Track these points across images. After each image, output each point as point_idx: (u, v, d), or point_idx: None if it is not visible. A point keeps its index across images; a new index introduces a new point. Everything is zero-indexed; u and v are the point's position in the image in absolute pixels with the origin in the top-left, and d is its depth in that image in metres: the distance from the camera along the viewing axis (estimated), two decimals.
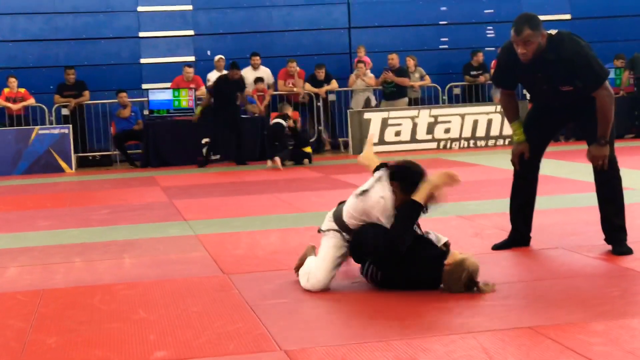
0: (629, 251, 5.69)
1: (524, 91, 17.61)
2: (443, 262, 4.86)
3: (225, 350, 4.05)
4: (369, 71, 16.81)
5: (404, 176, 5.00)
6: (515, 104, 5.99)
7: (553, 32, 5.58)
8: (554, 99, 5.75)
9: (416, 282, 4.95)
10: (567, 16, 18.34)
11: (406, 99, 16.61)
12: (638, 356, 3.68)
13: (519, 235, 6.11)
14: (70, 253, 6.85)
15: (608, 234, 5.85)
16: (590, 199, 8.59)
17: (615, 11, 18.41)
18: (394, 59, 16.51)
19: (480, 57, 17.23)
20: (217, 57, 16.63)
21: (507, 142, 16.15)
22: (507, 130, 16.20)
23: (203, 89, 16.28)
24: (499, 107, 16.30)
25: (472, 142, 16.13)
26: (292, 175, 12.50)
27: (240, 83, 14.77)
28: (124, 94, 15.60)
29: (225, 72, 16.45)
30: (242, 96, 15.16)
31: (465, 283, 4.80)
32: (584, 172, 9.79)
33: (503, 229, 6.88)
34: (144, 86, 17.03)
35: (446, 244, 5.22)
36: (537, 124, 5.93)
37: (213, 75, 16.54)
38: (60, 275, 5.99)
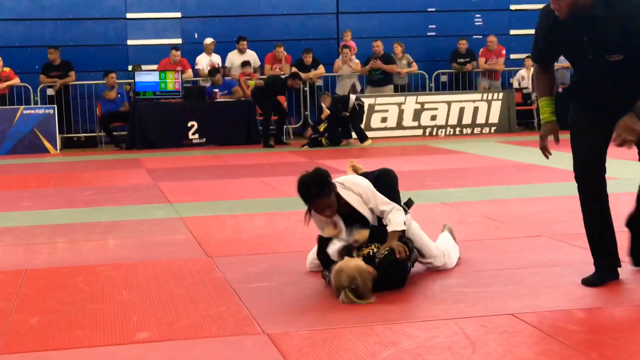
0: None
1: (521, 83, 17.63)
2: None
3: (208, 332, 4.06)
4: (354, 57, 16.76)
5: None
6: (550, 77, 4.89)
7: None
8: (602, 75, 4.59)
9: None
10: None
11: (392, 86, 16.59)
12: (619, 344, 3.71)
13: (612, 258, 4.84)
14: (54, 233, 6.83)
15: None
16: (573, 188, 8.62)
17: None
18: (379, 46, 16.47)
19: (462, 44, 17.17)
20: (208, 40, 16.54)
21: (492, 130, 16.20)
22: (494, 118, 16.26)
23: (189, 72, 16.23)
24: (485, 95, 16.34)
25: (458, 129, 16.16)
26: (277, 159, 12.50)
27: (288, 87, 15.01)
28: (113, 75, 15.51)
29: (212, 53, 16.45)
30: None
31: (338, 288, 4.53)
32: (568, 161, 9.81)
33: (487, 216, 6.92)
34: (130, 68, 16.92)
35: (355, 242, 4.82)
36: (588, 124, 4.75)
37: (202, 58, 16.48)
38: (44, 256, 5.98)
